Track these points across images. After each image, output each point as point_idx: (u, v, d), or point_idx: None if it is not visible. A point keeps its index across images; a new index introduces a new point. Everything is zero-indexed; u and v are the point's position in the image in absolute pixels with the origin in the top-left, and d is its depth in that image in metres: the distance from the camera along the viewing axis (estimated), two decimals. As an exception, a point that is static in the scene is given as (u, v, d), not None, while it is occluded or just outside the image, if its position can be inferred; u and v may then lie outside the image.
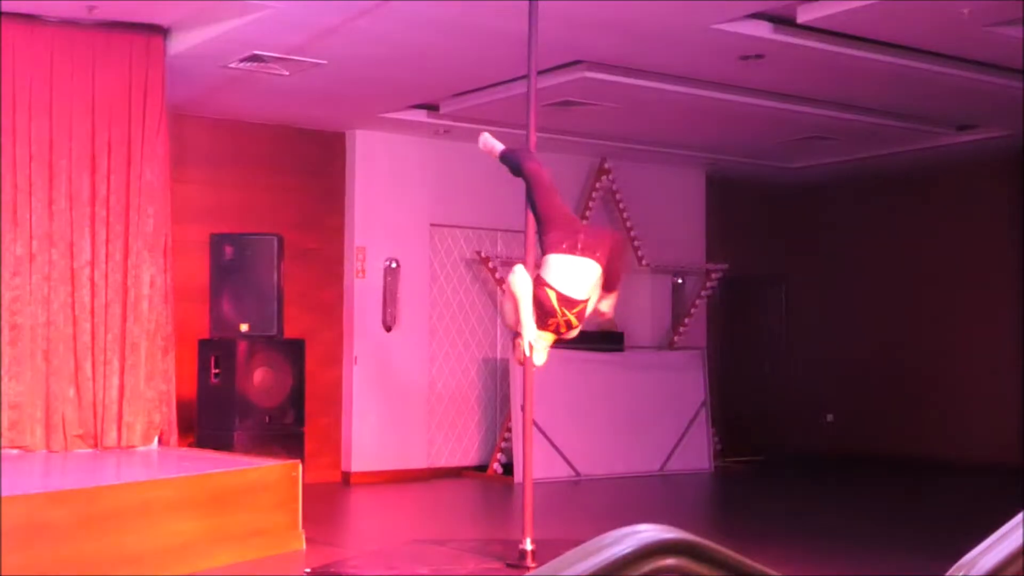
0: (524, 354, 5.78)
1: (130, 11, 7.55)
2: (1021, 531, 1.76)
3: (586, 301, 5.72)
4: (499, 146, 6.23)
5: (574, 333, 5.82)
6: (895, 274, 12.85)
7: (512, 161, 6.16)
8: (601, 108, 9.65)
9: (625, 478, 10.93)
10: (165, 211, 7.91)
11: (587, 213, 11.66)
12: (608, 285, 5.90)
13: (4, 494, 5.36)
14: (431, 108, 10.06)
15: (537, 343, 5.71)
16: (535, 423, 10.03)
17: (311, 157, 10.60)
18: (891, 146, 11.49)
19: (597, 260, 5.73)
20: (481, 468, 11.07)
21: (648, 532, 1.42)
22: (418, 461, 10.82)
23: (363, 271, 10.65)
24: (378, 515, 9.24)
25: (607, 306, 6.04)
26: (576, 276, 5.69)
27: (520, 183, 6.11)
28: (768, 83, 9.02)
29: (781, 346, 13.78)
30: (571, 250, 5.71)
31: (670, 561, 1.41)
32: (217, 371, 8.46)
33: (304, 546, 6.83)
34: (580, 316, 5.73)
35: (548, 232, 5.84)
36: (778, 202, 13.60)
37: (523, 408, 6.33)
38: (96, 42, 7.70)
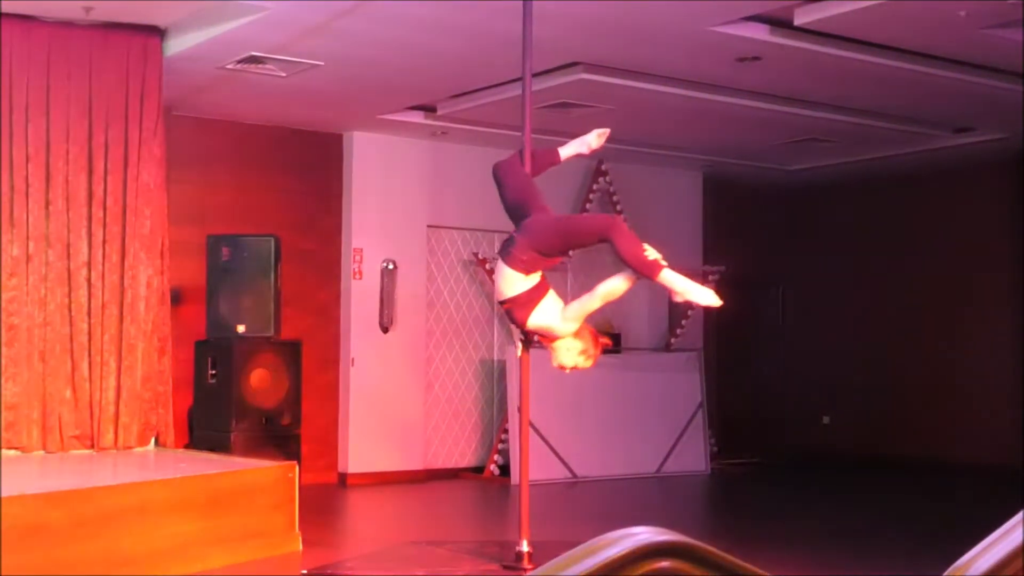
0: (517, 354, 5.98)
1: (127, 12, 7.55)
2: (1020, 530, 1.76)
3: (509, 301, 5.71)
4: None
5: (558, 333, 5.72)
6: (892, 276, 12.86)
7: None
8: (598, 110, 9.65)
9: (622, 480, 10.93)
10: (162, 212, 7.91)
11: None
12: (633, 268, 5.79)
13: (2, 495, 5.36)
14: (428, 110, 10.06)
15: (558, 346, 5.77)
16: (532, 424, 10.03)
17: (308, 158, 10.59)
18: (888, 148, 11.50)
19: (506, 260, 5.69)
20: (478, 470, 11.07)
21: (644, 534, 1.42)
22: (415, 462, 10.81)
23: (360, 272, 10.64)
24: (375, 517, 9.24)
25: (680, 297, 5.91)
26: (496, 278, 5.86)
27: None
28: (765, 85, 9.03)
29: (778, 348, 13.78)
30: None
31: (665, 563, 1.41)
32: (214, 372, 8.45)
33: (301, 547, 6.83)
34: (512, 317, 5.80)
35: None
36: (775, 204, 13.60)
37: (519, 409, 6.33)
38: (93, 43, 7.70)
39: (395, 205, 10.83)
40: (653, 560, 1.41)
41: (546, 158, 6.24)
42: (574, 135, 10.58)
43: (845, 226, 13.38)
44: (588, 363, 5.79)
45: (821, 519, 8.84)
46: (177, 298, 8.84)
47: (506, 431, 10.82)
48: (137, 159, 7.82)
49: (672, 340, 12.25)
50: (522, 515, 6.01)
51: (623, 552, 1.41)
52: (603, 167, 11.77)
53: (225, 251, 8.65)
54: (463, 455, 11.19)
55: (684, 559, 1.42)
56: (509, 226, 6.17)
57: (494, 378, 11.31)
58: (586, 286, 11.75)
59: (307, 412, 9.12)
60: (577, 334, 5.74)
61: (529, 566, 5.89)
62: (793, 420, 13.42)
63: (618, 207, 11.86)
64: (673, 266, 13.07)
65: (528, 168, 6.05)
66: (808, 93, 9.33)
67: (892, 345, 12.78)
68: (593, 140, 6.34)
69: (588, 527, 7.62)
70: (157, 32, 7.87)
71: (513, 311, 5.74)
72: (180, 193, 9.15)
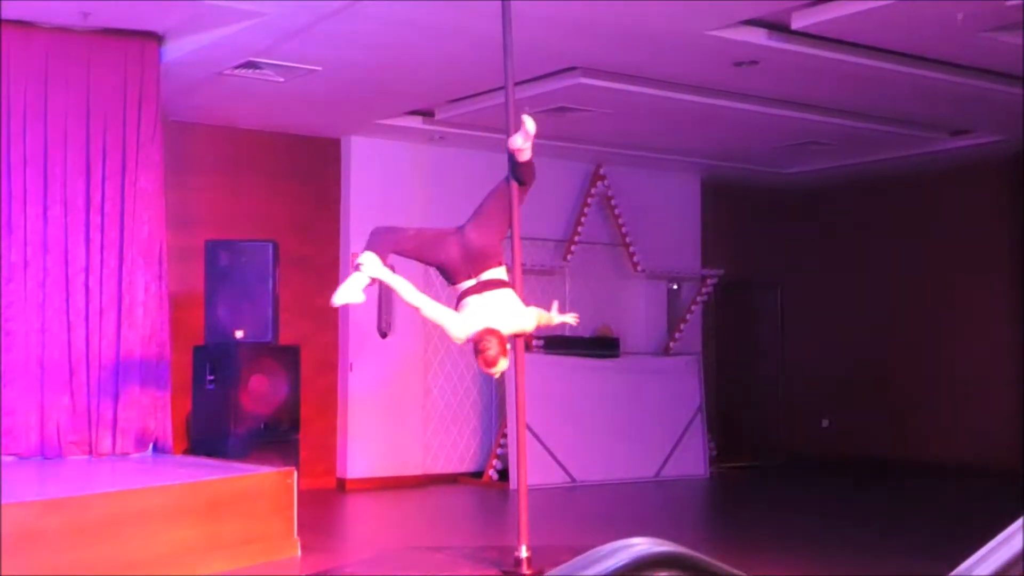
0: None
1: (125, 17, 7.54)
2: (1021, 536, 1.75)
3: None
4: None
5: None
6: (890, 279, 12.86)
7: (531, 169, 6.10)
8: (596, 114, 9.66)
9: (621, 484, 10.92)
10: (160, 217, 7.91)
11: (582, 219, 11.67)
12: None
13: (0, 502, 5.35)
14: (426, 115, 10.07)
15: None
16: (531, 429, 10.03)
17: (306, 163, 10.59)
18: (885, 151, 11.51)
19: None
20: (477, 474, 11.06)
21: (641, 545, 1.42)
22: (414, 467, 10.81)
23: (358, 277, 10.62)
24: (373, 522, 9.23)
25: None
26: None
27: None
28: (763, 89, 9.04)
29: (777, 351, 13.77)
30: None
31: (663, 575, 1.41)
32: (212, 378, 8.43)
33: (299, 553, 6.82)
34: None
35: None
36: (773, 207, 13.61)
37: (516, 412, 6.31)
38: (91, 48, 7.69)
39: (393, 210, 10.82)
40: (651, 572, 1.40)
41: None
42: (572, 139, 10.70)
43: (843, 229, 13.38)
44: (485, 368, 5.71)
45: (821, 522, 8.83)
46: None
47: (505, 436, 10.81)
48: (135, 164, 7.82)
49: (671, 344, 12.25)
50: (521, 520, 6.00)
51: (621, 564, 1.41)
52: (601, 171, 11.77)
53: (223, 256, 8.63)
54: (462, 460, 11.18)
55: (682, 570, 1.42)
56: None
57: (493, 382, 11.29)
58: (584, 289, 11.80)
59: (306, 417, 9.11)
60: (473, 340, 5.73)
61: (528, 571, 5.88)
62: (792, 423, 13.40)
63: (616, 211, 11.87)
64: (671, 270, 13.10)
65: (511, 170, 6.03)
66: (806, 96, 9.34)
67: (891, 348, 12.78)
68: (519, 139, 5.81)
69: (587, 532, 7.62)
70: (154, 38, 7.86)
71: None
72: (178, 198, 9.15)
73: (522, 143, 5.81)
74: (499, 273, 5.88)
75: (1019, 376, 11.61)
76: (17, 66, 7.49)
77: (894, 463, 12.21)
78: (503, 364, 5.64)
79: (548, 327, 6.32)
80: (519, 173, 5.98)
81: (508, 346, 5.68)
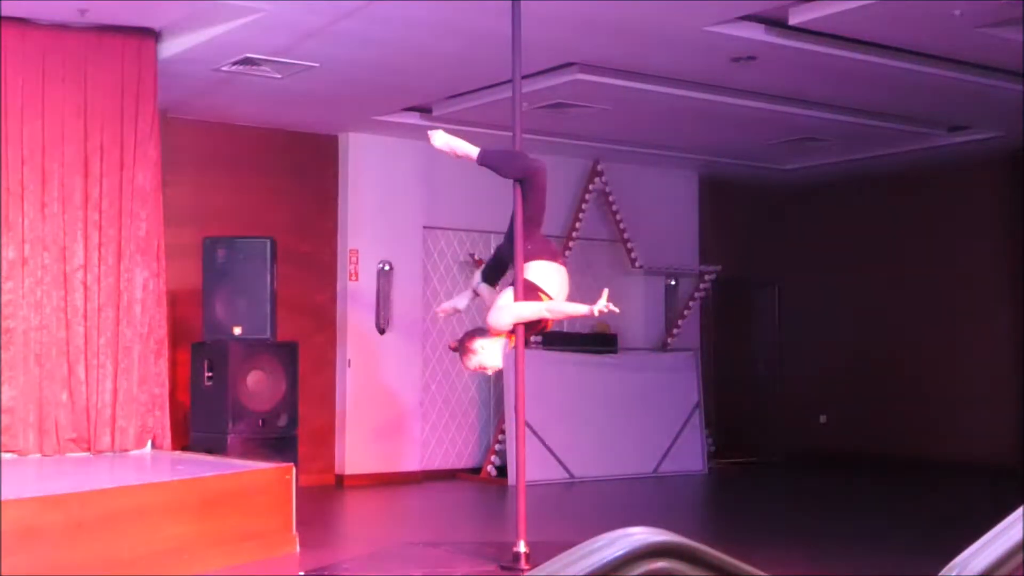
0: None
1: (122, 14, 7.54)
2: (1017, 528, 1.75)
3: None
4: (471, 148, 6.02)
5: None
6: (888, 275, 12.86)
7: (509, 161, 6.07)
8: (594, 110, 9.66)
9: (619, 480, 10.93)
10: (157, 214, 7.90)
11: (580, 215, 11.67)
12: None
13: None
14: (424, 111, 10.06)
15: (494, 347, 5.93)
16: (529, 425, 10.03)
17: (304, 160, 10.59)
18: (883, 147, 11.51)
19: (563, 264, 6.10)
20: (475, 470, 11.06)
21: (640, 535, 1.42)
22: (412, 464, 10.81)
23: (356, 274, 10.64)
24: (372, 518, 9.23)
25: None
26: (565, 283, 6.00)
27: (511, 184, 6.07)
28: (760, 85, 9.04)
29: (774, 347, 13.79)
30: (555, 257, 6.06)
31: (662, 564, 1.41)
32: (210, 374, 8.43)
33: (298, 549, 6.82)
34: None
35: (534, 238, 5.91)
36: (771, 204, 13.61)
37: (515, 410, 6.32)
38: (88, 45, 7.69)
39: (391, 206, 10.83)
40: (650, 560, 1.40)
41: None
42: (570, 135, 10.69)
43: (841, 225, 13.39)
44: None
45: (818, 518, 8.84)
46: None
47: (503, 432, 10.82)
48: (132, 161, 7.81)
49: (669, 340, 12.25)
50: (519, 516, 6.01)
51: (620, 553, 1.41)
52: (599, 167, 11.77)
53: (221, 253, 8.64)
54: (460, 456, 11.18)
55: (680, 559, 1.42)
56: (505, 227, 6.19)
57: (491, 378, 11.29)
58: (582, 285, 11.80)
59: (304, 414, 9.11)
60: None
61: (526, 566, 5.89)
62: (790, 419, 13.42)
63: (614, 207, 11.87)
64: (669, 266, 13.12)
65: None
66: (803, 92, 9.34)
67: (889, 344, 12.78)
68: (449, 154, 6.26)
69: (585, 527, 7.59)
70: (152, 34, 7.86)
71: None
72: (176, 195, 9.15)
73: (454, 155, 6.10)
74: (524, 271, 5.97)
75: (1018, 373, 11.62)
76: (14, 63, 7.48)
77: (892, 459, 12.22)
78: (470, 363, 6.04)
79: (592, 317, 6.38)
80: (497, 172, 6.09)
81: (483, 343, 5.94)
